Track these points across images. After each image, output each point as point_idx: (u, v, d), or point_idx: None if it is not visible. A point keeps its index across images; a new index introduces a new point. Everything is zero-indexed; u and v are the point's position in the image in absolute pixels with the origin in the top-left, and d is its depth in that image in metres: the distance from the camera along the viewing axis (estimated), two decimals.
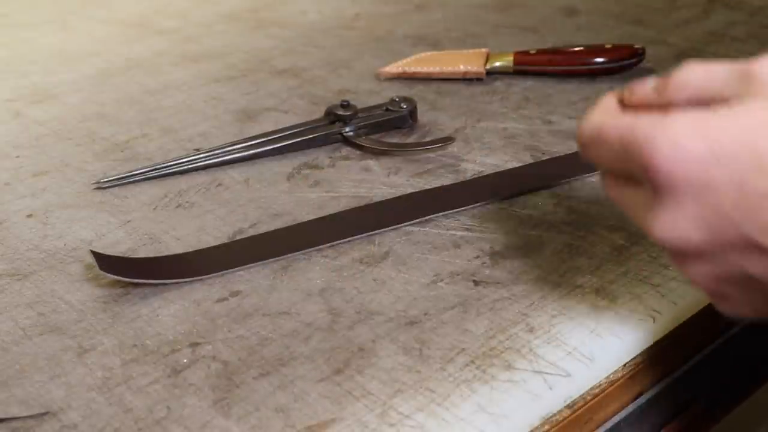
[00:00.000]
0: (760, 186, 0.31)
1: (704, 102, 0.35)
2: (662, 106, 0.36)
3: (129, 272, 0.46)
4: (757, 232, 0.32)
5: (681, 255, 0.35)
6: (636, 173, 0.34)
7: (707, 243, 0.33)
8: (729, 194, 0.32)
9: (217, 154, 0.60)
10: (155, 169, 0.59)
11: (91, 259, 0.49)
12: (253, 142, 0.61)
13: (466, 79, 0.72)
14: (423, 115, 0.65)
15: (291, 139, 0.61)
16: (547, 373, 0.38)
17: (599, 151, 0.36)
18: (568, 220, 0.50)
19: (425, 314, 0.42)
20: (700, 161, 0.32)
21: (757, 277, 0.33)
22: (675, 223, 0.33)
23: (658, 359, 0.43)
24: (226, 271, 0.47)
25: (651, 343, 0.42)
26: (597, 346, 0.40)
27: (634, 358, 0.41)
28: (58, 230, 0.52)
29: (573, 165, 0.56)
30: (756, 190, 0.31)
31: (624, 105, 0.37)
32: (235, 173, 0.58)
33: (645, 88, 0.37)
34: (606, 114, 0.37)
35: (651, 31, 0.81)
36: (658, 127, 0.33)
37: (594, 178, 0.54)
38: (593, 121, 0.37)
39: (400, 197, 0.53)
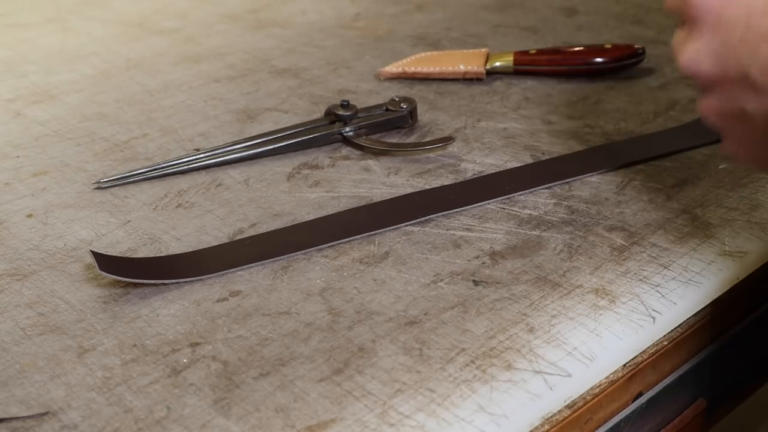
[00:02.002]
0: (764, 25, 0.35)
1: None
2: None
3: (129, 272, 0.46)
4: (755, 68, 0.36)
5: (699, 85, 0.40)
6: (683, 17, 0.40)
7: (716, 74, 0.38)
8: (737, 30, 0.37)
9: (217, 154, 0.60)
10: (155, 169, 0.59)
11: (91, 259, 0.49)
12: (253, 142, 0.61)
13: (466, 79, 0.72)
14: (423, 115, 0.65)
15: (291, 139, 0.61)
16: (547, 373, 0.38)
17: (671, 3, 0.42)
18: (568, 220, 0.50)
19: (425, 314, 0.42)
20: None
21: (752, 113, 0.38)
22: (694, 53, 0.39)
23: (658, 359, 0.43)
24: (226, 271, 0.47)
25: (651, 343, 0.42)
26: (597, 346, 0.40)
27: (634, 358, 0.41)
28: (58, 230, 0.52)
29: (573, 165, 0.56)
30: (759, 28, 0.36)
31: None
32: (235, 173, 0.58)
33: None
34: None
35: (651, 31, 0.81)
36: None
37: (594, 178, 0.54)
38: None
39: (400, 197, 0.53)
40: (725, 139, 0.40)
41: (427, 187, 0.55)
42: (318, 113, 0.65)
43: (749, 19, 0.36)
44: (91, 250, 0.46)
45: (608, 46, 0.71)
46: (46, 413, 0.37)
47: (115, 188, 0.57)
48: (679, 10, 0.41)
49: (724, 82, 0.38)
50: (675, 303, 0.43)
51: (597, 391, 0.40)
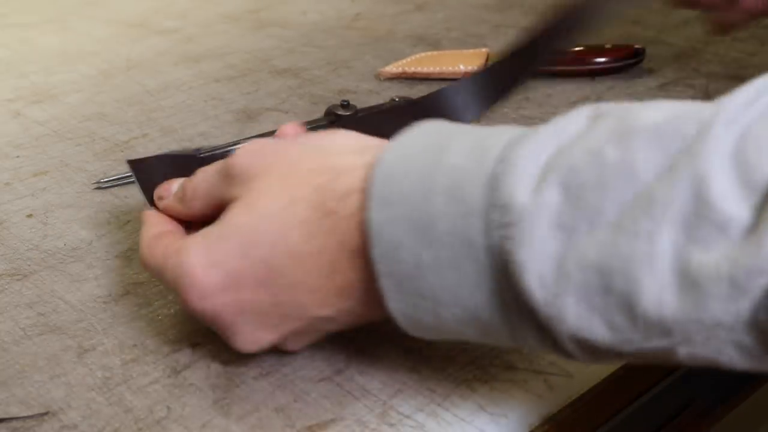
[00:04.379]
0: (266, 299, 0.35)
1: (217, 205, 0.38)
2: (187, 215, 0.41)
3: (172, 172, 0.44)
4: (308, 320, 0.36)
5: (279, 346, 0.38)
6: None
7: (284, 336, 0.37)
8: (263, 303, 0.35)
9: (217, 154, 0.60)
10: None
11: (90, 259, 0.49)
12: None
13: None
14: None
15: None
16: (547, 373, 0.38)
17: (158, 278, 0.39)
18: None
19: None
20: (225, 289, 0.35)
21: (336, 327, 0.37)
22: (251, 337, 0.37)
23: None
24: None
25: None
26: None
27: None
28: (58, 230, 0.52)
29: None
30: (263, 303, 0.35)
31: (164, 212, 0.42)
32: None
33: (169, 195, 0.41)
34: (147, 238, 0.40)
35: (651, 31, 0.81)
36: (178, 268, 0.36)
37: None
38: (141, 247, 0.40)
39: None
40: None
41: None
42: (318, 113, 0.65)
43: (260, 289, 0.35)
44: (127, 160, 0.46)
45: (608, 46, 0.71)
46: (46, 413, 0.37)
47: (115, 188, 0.57)
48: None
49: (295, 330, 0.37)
50: None
51: (597, 391, 0.39)
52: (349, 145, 0.36)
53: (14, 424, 0.37)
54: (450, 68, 0.72)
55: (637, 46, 0.71)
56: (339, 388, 0.38)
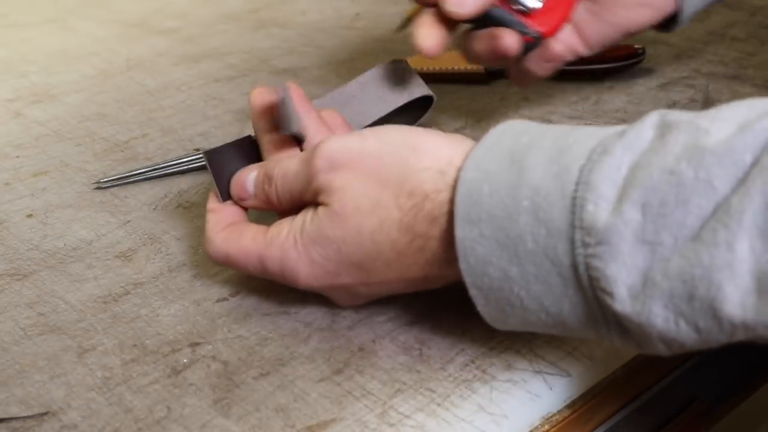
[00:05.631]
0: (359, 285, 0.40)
1: (297, 198, 0.42)
2: (269, 202, 0.43)
3: (238, 159, 0.46)
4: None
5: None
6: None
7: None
8: (358, 287, 0.40)
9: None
10: (155, 169, 0.59)
11: (90, 259, 0.49)
12: None
13: (466, 79, 0.72)
14: (423, 115, 0.65)
15: None
16: (547, 373, 0.38)
17: (239, 268, 0.43)
18: None
19: (425, 314, 0.42)
20: (323, 280, 0.40)
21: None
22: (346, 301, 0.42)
23: (659, 359, 0.43)
24: None
25: None
26: (597, 345, 0.40)
27: (635, 357, 0.41)
28: (58, 230, 0.52)
29: None
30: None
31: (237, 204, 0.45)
32: None
33: (248, 195, 0.44)
34: (218, 231, 0.43)
35: (651, 31, 0.81)
36: (279, 264, 0.40)
37: None
38: (215, 243, 0.43)
39: None
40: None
41: None
42: None
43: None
44: (204, 152, 0.46)
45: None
46: (46, 413, 0.37)
47: (115, 188, 0.57)
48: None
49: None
50: None
51: (597, 391, 0.39)
52: (431, 156, 0.38)
53: (14, 424, 0.37)
54: (450, 68, 0.72)
55: (637, 46, 0.71)
56: (339, 388, 0.38)
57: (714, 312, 0.29)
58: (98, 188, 0.57)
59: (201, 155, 0.59)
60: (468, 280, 0.35)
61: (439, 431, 0.35)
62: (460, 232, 0.35)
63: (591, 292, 0.32)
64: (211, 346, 0.41)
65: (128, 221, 0.53)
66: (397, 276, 0.39)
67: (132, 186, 0.58)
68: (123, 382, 0.39)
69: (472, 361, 0.39)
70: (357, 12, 0.94)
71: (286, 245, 0.40)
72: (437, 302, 0.43)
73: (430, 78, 0.73)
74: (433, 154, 0.38)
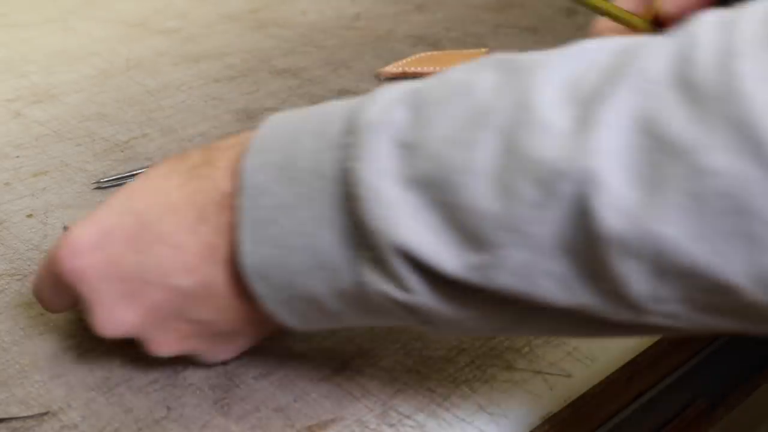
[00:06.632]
0: (131, 258, 0.34)
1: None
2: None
3: None
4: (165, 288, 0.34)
5: (145, 342, 0.37)
6: (71, 292, 0.36)
7: (145, 314, 0.35)
8: (128, 263, 0.34)
9: None
10: None
11: None
12: None
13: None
14: None
15: None
16: (547, 373, 0.38)
17: (46, 295, 0.38)
18: None
19: None
20: (95, 246, 0.34)
21: (207, 320, 0.35)
22: (110, 313, 0.35)
23: (659, 359, 0.43)
24: None
25: (651, 343, 0.42)
26: (597, 345, 0.40)
27: (635, 357, 0.41)
28: (58, 230, 0.52)
29: None
30: (132, 265, 0.34)
31: None
32: None
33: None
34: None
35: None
36: (64, 237, 0.35)
37: None
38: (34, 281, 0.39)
39: None
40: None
41: None
42: None
43: (128, 249, 0.34)
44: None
45: None
46: (46, 413, 0.37)
47: (115, 188, 0.57)
48: (70, 295, 0.36)
49: (161, 315, 0.36)
50: None
51: (597, 391, 0.39)
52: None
53: (14, 424, 0.37)
54: (450, 68, 0.72)
55: None
56: (339, 388, 0.38)
57: (454, 217, 0.27)
58: (98, 188, 0.57)
59: None
60: (238, 216, 0.31)
61: (439, 431, 0.35)
62: (248, 161, 0.32)
63: (345, 203, 0.29)
64: None
65: None
66: (173, 230, 0.34)
67: None
68: (123, 382, 0.39)
69: (472, 361, 0.39)
70: (357, 12, 0.94)
71: (77, 226, 0.36)
72: None
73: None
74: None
